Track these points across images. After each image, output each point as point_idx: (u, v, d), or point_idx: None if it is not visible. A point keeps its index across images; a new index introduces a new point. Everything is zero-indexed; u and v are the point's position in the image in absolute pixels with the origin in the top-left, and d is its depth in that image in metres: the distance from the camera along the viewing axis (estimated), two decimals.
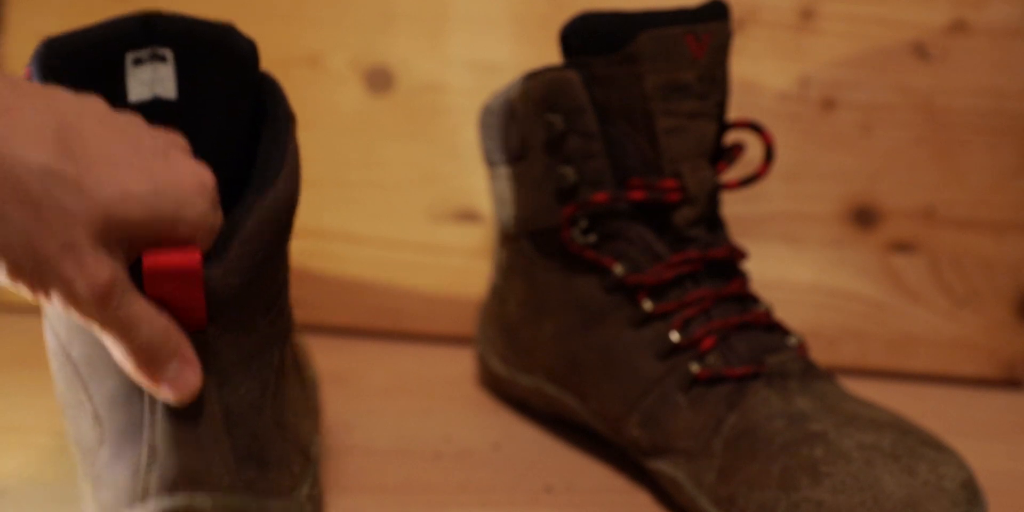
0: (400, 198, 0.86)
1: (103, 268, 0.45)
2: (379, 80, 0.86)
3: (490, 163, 0.73)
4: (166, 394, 0.49)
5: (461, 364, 0.82)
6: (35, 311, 0.86)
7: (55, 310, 0.49)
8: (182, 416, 0.49)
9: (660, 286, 0.65)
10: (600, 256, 0.66)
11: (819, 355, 0.80)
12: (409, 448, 0.69)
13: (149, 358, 0.48)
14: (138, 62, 0.51)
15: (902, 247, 0.84)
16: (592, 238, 0.67)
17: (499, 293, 0.74)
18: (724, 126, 0.67)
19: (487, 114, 0.72)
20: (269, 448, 0.52)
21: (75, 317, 0.47)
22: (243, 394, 0.52)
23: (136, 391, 0.50)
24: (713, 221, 0.67)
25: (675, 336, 0.64)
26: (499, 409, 0.76)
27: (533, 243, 0.70)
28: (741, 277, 0.66)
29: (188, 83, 0.52)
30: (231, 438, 0.51)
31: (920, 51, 0.82)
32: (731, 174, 0.77)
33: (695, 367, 0.63)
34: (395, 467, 0.67)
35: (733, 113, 0.79)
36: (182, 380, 0.49)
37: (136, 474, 0.49)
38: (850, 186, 0.84)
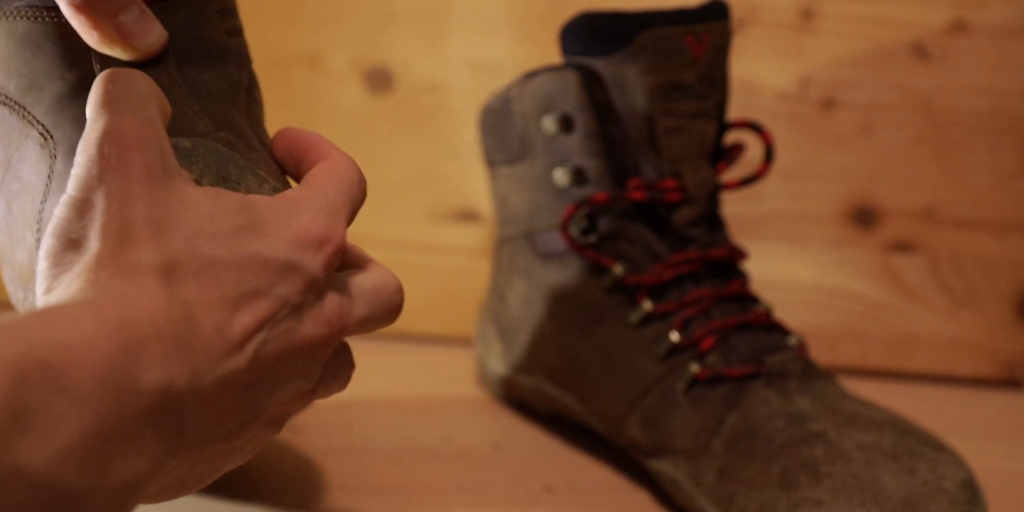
0: (400, 198, 0.86)
1: None
2: (379, 80, 0.86)
3: (490, 163, 0.73)
4: (123, 44, 0.46)
5: (461, 364, 0.82)
6: None
7: None
8: (143, 67, 0.47)
9: (660, 286, 0.65)
10: (600, 256, 0.66)
11: (819, 355, 0.80)
12: (408, 448, 0.69)
13: None
14: None
15: (902, 247, 0.84)
16: (592, 238, 0.67)
17: (499, 293, 0.74)
18: (724, 126, 0.67)
19: (487, 114, 0.72)
20: (248, 142, 0.50)
21: None
22: (208, 79, 0.50)
23: (88, 84, 0.47)
24: (713, 221, 0.67)
25: (675, 336, 0.64)
26: (499, 409, 0.76)
27: (533, 243, 0.70)
28: (741, 277, 0.66)
29: None
30: (205, 111, 0.49)
31: (920, 51, 0.82)
32: (731, 174, 0.77)
33: (695, 367, 0.63)
34: (394, 467, 0.67)
35: (733, 113, 0.79)
36: (141, 26, 0.46)
37: None
38: (850, 186, 0.84)
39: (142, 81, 0.44)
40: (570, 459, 0.69)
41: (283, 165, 0.50)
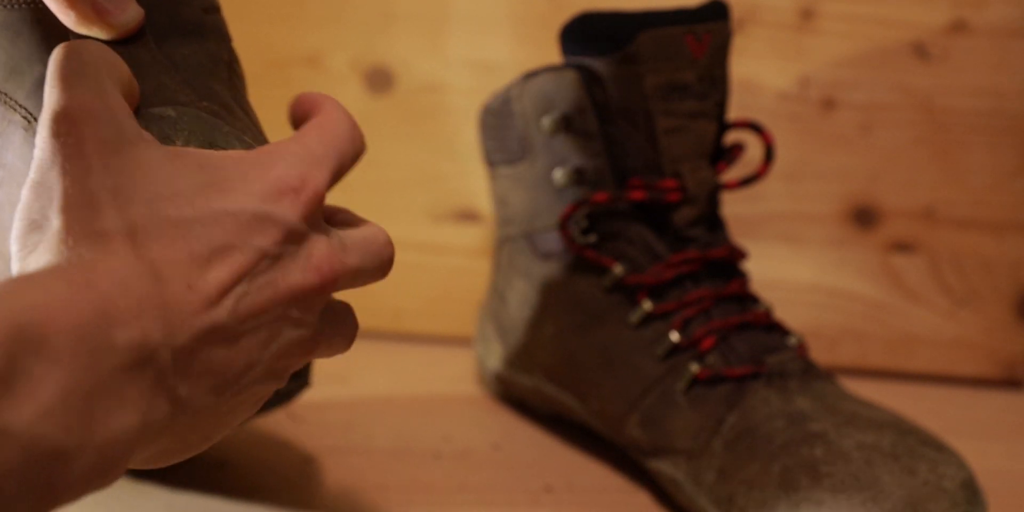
0: (400, 198, 0.86)
1: None
2: (379, 80, 0.86)
3: (490, 163, 0.73)
4: (100, 23, 0.46)
5: (461, 364, 0.82)
6: None
7: None
8: (124, 54, 0.47)
9: (660, 286, 0.65)
10: (600, 256, 0.66)
11: (819, 355, 0.80)
12: (409, 448, 0.69)
13: None
14: None
15: (902, 247, 0.84)
16: (592, 238, 0.67)
17: (499, 293, 0.74)
18: (724, 126, 0.67)
19: (487, 114, 0.72)
20: (232, 111, 0.50)
21: None
22: (187, 53, 0.50)
23: None
24: (713, 221, 0.67)
25: (675, 336, 0.64)
26: (499, 409, 0.76)
27: (533, 243, 0.70)
28: (741, 277, 0.66)
29: None
30: (187, 83, 0.49)
31: (920, 51, 0.82)
32: (731, 174, 0.77)
33: (695, 367, 0.63)
34: (395, 467, 0.67)
35: (733, 113, 0.79)
36: (117, 4, 0.46)
37: None
38: (850, 186, 0.84)
39: (93, 51, 0.45)
40: (570, 459, 0.69)
41: (294, 128, 0.50)
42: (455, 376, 0.81)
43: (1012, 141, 0.82)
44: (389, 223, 0.86)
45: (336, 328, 0.47)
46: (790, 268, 0.84)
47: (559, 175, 0.67)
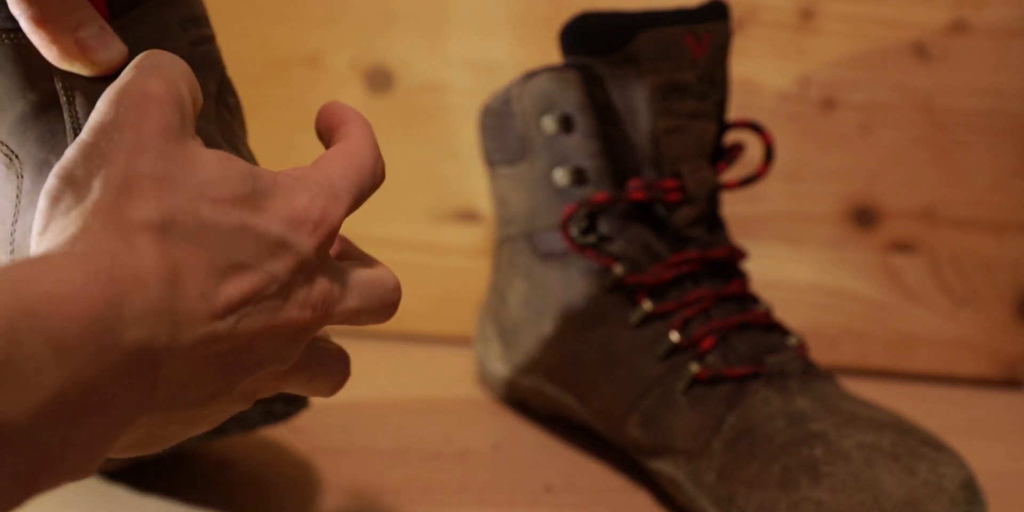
0: (400, 198, 0.86)
1: None
2: (379, 80, 0.86)
3: (490, 163, 0.73)
4: (82, 59, 0.45)
5: (461, 364, 0.82)
6: None
7: None
8: (104, 82, 0.46)
9: (660, 286, 0.65)
10: (600, 256, 0.66)
11: (819, 355, 0.80)
12: (409, 448, 0.69)
13: (65, 6, 0.45)
14: None
15: (902, 247, 0.84)
16: (592, 238, 0.67)
17: (499, 293, 0.74)
18: (724, 126, 0.67)
19: (487, 114, 0.72)
20: (219, 148, 0.50)
21: None
22: None
23: (51, 102, 0.47)
24: (713, 221, 0.67)
25: (675, 336, 0.64)
26: (499, 409, 0.76)
27: (533, 243, 0.70)
28: (741, 277, 0.66)
29: None
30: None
31: (920, 51, 0.82)
32: (731, 174, 0.77)
33: (695, 367, 0.63)
34: (395, 467, 0.67)
35: (733, 113, 0.79)
36: (100, 41, 0.46)
37: None
38: (850, 186, 0.84)
39: (175, 60, 0.45)
40: (570, 459, 0.69)
41: (320, 139, 0.50)
42: (455, 376, 0.81)
43: (1012, 141, 0.82)
44: (389, 223, 0.86)
45: (321, 370, 0.47)
46: (790, 268, 0.84)
47: (559, 175, 0.67)
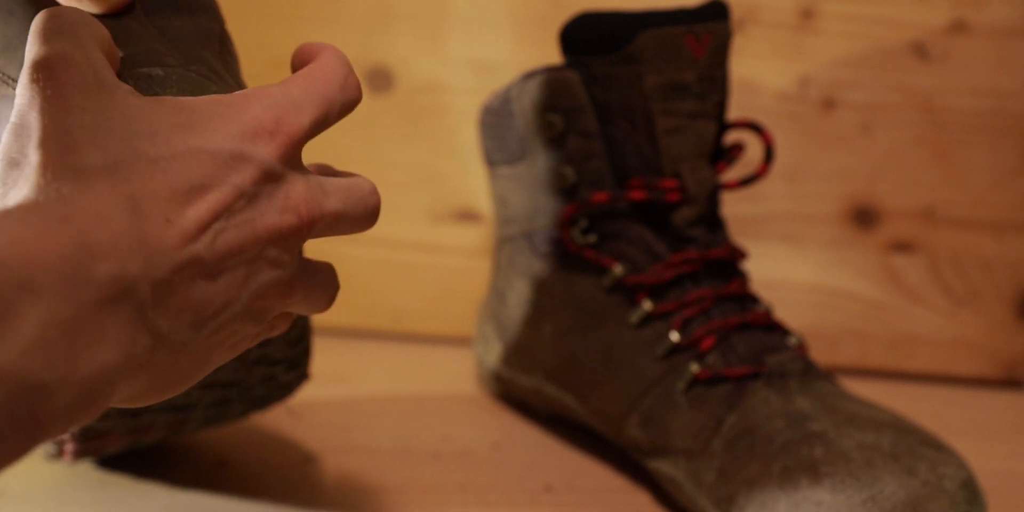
0: (400, 198, 0.86)
1: None
2: (379, 80, 0.86)
3: (490, 163, 0.73)
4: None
5: (461, 364, 0.82)
6: None
7: None
8: (113, 23, 0.48)
9: (660, 286, 0.65)
10: (600, 256, 0.66)
11: (819, 355, 0.80)
12: (409, 448, 0.69)
13: None
14: None
15: (902, 247, 0.84)
16: (592, 238, 0.67)
17: (499, 293, 0.74)
18: (724, 126, 0.67)
19: (487, 114, 0.72)
20: (222, 78, 0.51)
21: None
22: (178, 26, 0.51)
23: None
24: (713, 221, 0.67)
25: (675, 336, 0.64)
26: (499, 409, 0.76)
27: (533, 243, 0.70)
28: (741, 277, 0.66)
29: None
30: (176, 49, 0.50)
31: (920, 51, 0.82)
32: (731, 174, 0.77)
33: (695, 367, 0.63)
34: (394, 467, 0.67)
35: (733, 113, 0.79)
36: None
37: None
38: (850, 186, 0.84)
39: (72, 12, 0.45)
40: (570, 459, 0.69)
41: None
42: (455, 376, 0.81)
43: (1012, 141, 0.82)
44: (389, 223, 0.86)
45: (317, 282, 0.48)
46: (790, 268, 0.84)
47: (559, 175, 0.67)
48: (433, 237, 0.87)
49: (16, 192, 0.41)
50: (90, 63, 0.43)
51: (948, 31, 0.82)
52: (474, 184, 0.85)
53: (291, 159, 0.45)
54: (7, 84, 0.50)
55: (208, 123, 0.43)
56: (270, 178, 0.44)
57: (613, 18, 0.64)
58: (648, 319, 0.65)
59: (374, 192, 0.49)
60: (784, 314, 0.73)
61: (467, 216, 0.87)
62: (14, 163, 0.42)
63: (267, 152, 0.44)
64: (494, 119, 0.71)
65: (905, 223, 0.83)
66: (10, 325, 0.36)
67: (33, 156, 0.41)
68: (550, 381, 0.71)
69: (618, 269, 0.66)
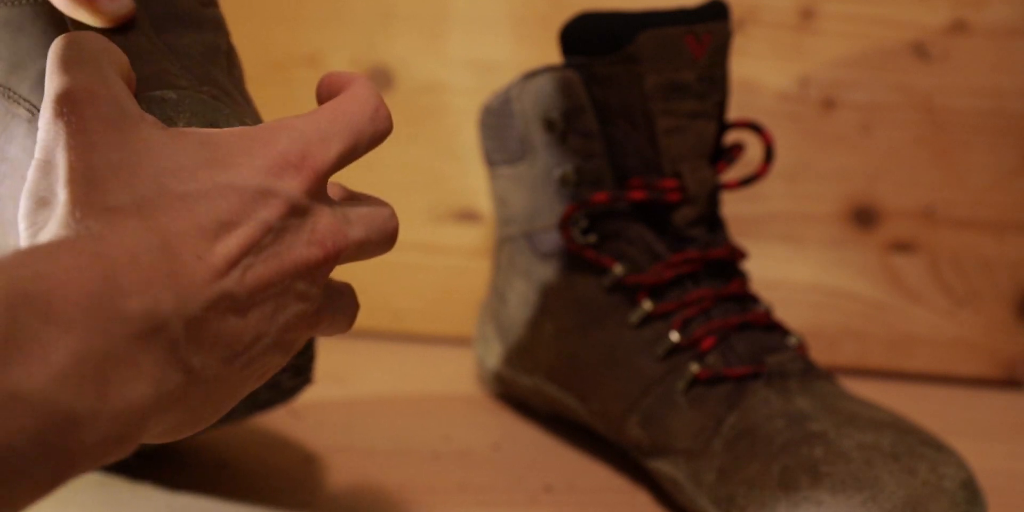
0: (400, 198, 0.85)
1: None
2: (379, 80, 0.86)
3: (490, 163, 0.73)
4: (90, 8, 0.47)
5: (461, 364, 0.82)
6: None
7: None
8: (122, 42, 0.48)
9: (660, 286, 0.65)
10: (600, 256, 0.66)
11: (819, 355, 0.80)
12: (409, 448, 0.69)
13: None
14: None
15: (902, 247, 0.84)
16: (592, 238, 0.67)
17: (499, 293, 0.74)
18: (724, 126, 0.67)
19: (487, 114, 0.72)
20: (232, 97, 0.51)
21: None
22: (186, 43, 0.51)
23: None
24: (713, 221, 0.67)
25: (675, 336, 0.64)
26: (499, 409, 0.76)
27: (533, 243, 0.70)
28: (741, 277, 0.66)
29: None
30: (186, 69, 0.50)
31: (920, 51, 0.82)
32: (731, 174, 0.77)
33: (695, 367, 0.62)
34: (394, 467, 0.67)
35: (733, 113, 0.79)
36: None
37: None
38: (850, 186, 0.84)
39: (91, 39, 0.45)
40: (570, 459, 0.69)
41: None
42: (455, 376, 0.81)
43: (1012, 141, 0.82)
44: None
45: (338, 305, 0.48)
46: (790, 268, 0.84)
47: (559, 175, 0.67)
48: (433, 237, 0.87)
49: (46, 232, 0.41)
50: (114, 96, 0.43)
51: (948, 31, 0.82)
52: (474, 184, 0.85)
53: (317, 192, 0.45)
54: (17, 103, 0.50)
55: (234, 158, 0.43)
56: (297, 212, 0.44)
57: (613, 18, 0.64)
58: (648, 319, 0.65)
59: (393, 216, 0.49)
60: (784, 314, 0.73)
61: (467, 216, 0.87)
62: (43, 202, 0.42)
63: (293, 186, 0.44)
64: (494, 119, 0.71)
65: (905, 223, 0.83)
66: (36, 354, 0.36)
67: (61, 195, 0.41)
68: (550, 381, 0.71)
69: (618, 269, 0.66)
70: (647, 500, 0.64)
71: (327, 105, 0.47)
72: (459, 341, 0.85)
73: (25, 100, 0.50)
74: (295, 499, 0.63)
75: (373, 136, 0.47)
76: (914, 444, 0.58)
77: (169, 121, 0.48)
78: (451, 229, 0.87)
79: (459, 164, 0.86)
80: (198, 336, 0.41)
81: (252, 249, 0.43)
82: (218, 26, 0.54)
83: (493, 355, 0.76)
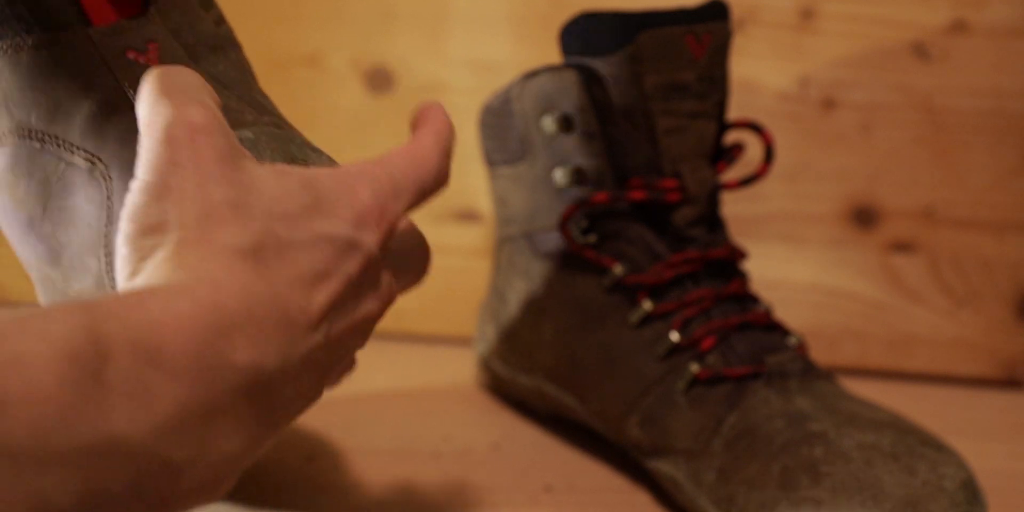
0: None
1: None
2: (379, 80, 0.86)
3: (490, 163, 0.73)
4: None
5: (461, 364, 0.82)
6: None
7: None
8: None
9: (660, 286, 0.65)
10: (600, 256, 0.66)
11: (819, 355, 0.80)
12: (409, 448, 0.69)
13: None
14: None
15: (902, 247, 0.84)
16: (592, 238, 0.67)
17: (499, 293, 0.74)
18: (724, 126, 0.67)
19: (487, 114, 0.72)
20: (283, 119, 0.52)
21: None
22: (223, 70, 0.52)
23: (119, 100, 0.48)
24: (713, 221, 0.67)
25: (675, 336, 0.64)
26: (499, 409, 0.76)
27: (533, 243, 0.70)
28: (741, 277, 0.66)
29: None
30: (242, 100, 0.50)
31: (920, 51, 0.82)
32: (731, 174, 0.77)
33: (695, 367, 0.63)
34: (394, 467, 0.67)
35: (733, 113, 0.79)
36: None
37: None
38: (850, 186, 0.84)
39: (193, 74, 0.45)
40: (570, 459, 0.69)
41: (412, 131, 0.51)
42: (455, 376, 0.81)
43: (1012, 141, 0.82)
44: None
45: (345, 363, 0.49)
46: (790, 268, 0.84)
47: (559, 175, 0.67)
48: (433, 237, 0.86)
49: (156, 263, 0.40)
50: (224, 129, 0.43)
51: (948, 31, 0.82)
52: (474, 184, 0.85)
53: (386, 244, 0.45)
54: (71, 151, 0.49)
55: (329, 205, 0.43)
56: (371, 265, 0.44)
57: (613, 18, 0.64)
58: (648, 319, 0.65)
59: (427, 248, 0.50)
60: (784, 314, 0.73)
61: (467, 216, 0.87)
62: (151, 228, 0.41)
63: (372, 240, 0.44)
64: (494, 119, 0.71)
65: (905, 223, 0.83)
66: (142, 401, 0.35)
67: (177, 226, 0.41)
68: (550, 381, 0.71)
69: (618, 269, 0.66)
70: (647, 500, 0.64)
71: (399, 152, 0.47)
72: (459, 341, 0.85)
73: (79, 148, 0.49)
74: (296, 498, 0.63)
75: (435, 189, 0.48)
76: (914, 444, 0.58)
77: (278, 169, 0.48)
78: (451, 229, 0.87)
79: (459, 164, 0.86)
80: (288, 391, 0.41)
81: (339, 302, 0.43)
82: (234, 42, 0.54)
83: (493, 355, 0.76)
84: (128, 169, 0.47)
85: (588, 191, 0.66)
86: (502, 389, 0.76)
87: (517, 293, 0.72)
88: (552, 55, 0.71)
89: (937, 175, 0.83)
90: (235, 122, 0.48)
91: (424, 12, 0.85)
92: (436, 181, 0.48)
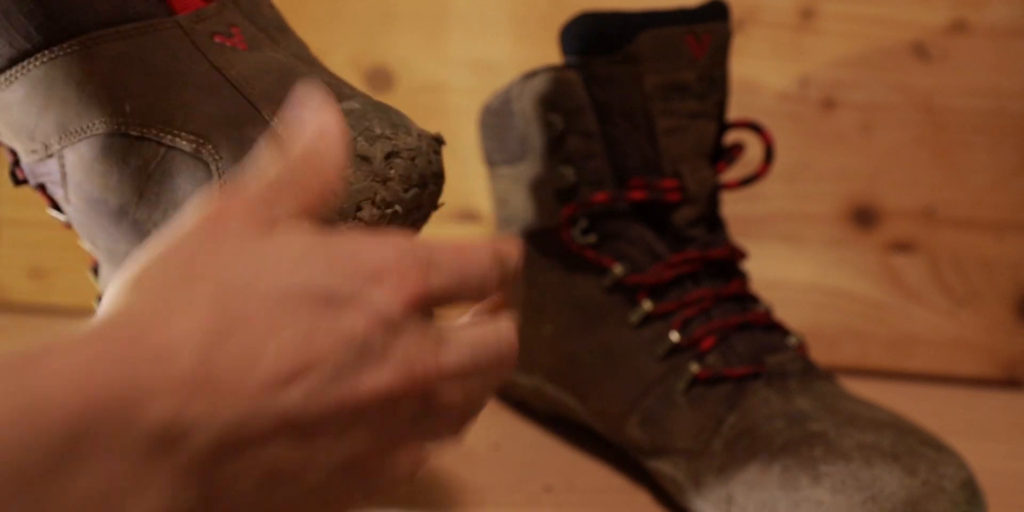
0: None
1: None
2: (379, 80, 0.86)
3: (490, 163, 0.73)
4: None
5: None
6: (35, 311, 0.86)
7: None
8: (290, 68, 0.51)
9: (660, 286, 0.65)
10: (600, 256, 0.66)
11: (819, 355, 0.80)
12: None
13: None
14: None
15: (902, 247, 0.84)
16: (592, 238, 0.67)
17: None
18: (724, 126, 0.67)
19: (487, 114, 0.72)
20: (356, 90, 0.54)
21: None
22: (298, 49, 0.54)
23: (218, 83, 0.49)
24: (713, 221, 0.67)
25: (675, 336, 0.64)
26: (499, 409, 0.76)
27: (533, 243, 0.70)
28: (741, 277, 0.66)
29: None
30: (329, 75, 0.52)
31: (920, 51, 0.82)
32: (731, 174, 0.77)
33: (695, 367, 0.63)
34: None
35: (733, 113, 0.79)
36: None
37: None
38: (850, 186, 0.84)
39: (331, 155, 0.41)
40: (570, 459, 0.69)
41: None
42: None
43: (1012, 141, 0.82)
44: None
45: (436, 429, 0.41)
46: (790, 268, 0.84)
47: (559, 175, 0.67)
48: (433, 237, 0.87)
49: (113, 296, 0.37)
50: (269, 202, 0.39)
51: (948, 31, 0.82)
52: (474, 184, 0.85)
53: (415, 312, 0.39)
54: (173, 135, 0.49)
55: (339, 260, 0.38)
56: (388, 329, 0.37)
57: (613, 18, 0.64)
58: (648, 319, 0.65)
59: (507, 332, 0.42)
60: (784, 314, 0.73)
61: (467, 216, 0.86)
62: (138, 279, 0.38)
63: (392, 299, 0.38)
64: (494, 119, 0.71)
65: (905, 223, 0.83)
66: (62, 485, 0.33)
67: (159, 281, 0.37)
68: (550, 381, 0.71)
69: (618, 269, 0.66)
70: (647, 500, 0.64)
71: (453, 247, 0.42)
72: None
73: (183, 132, 0.49)
74: None
75: (479, 288, 0.42)
76: (914, 444, 0.58)
77: (368, 131, 0.49)
78: (451, 229, 0.87)
79: (459, 164, 0.86)
80: (229, 453, 0.35)
81: (318, 364, 0.36)
82: (284, 20, 0.55)
83: None
84: (236, 147, 0.49)
85: (588, 191, 0.66)
86: (502, 389, 0.76)
87: (517, 293, 0.72)
88: (552, 55, 0.70)
89: (937, 175, 0.83)
90: (339, 95, 0.50)
91: (424, 12, 0.85)
92: (481, 279, 0.41)
